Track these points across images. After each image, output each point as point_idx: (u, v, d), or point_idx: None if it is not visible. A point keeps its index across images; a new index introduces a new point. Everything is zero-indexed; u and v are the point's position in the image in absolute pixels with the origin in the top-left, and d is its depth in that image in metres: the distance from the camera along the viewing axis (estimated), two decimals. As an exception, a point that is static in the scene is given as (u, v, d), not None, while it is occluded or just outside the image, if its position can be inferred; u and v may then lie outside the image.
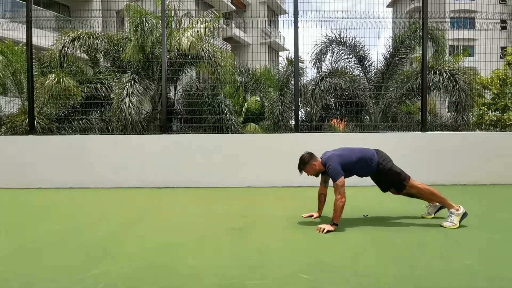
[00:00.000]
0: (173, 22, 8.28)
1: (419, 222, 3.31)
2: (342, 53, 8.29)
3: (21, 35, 6.10)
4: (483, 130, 9.21)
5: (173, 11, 8.21)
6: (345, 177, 3.13)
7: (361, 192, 4.99)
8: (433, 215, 3.44)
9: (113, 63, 7.78)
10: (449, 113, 8.04)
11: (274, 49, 19.71)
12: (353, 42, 8.07)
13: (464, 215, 3.08)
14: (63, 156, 5.55)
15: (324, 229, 2.91)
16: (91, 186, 5.50)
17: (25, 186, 5.50)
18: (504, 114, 9.58)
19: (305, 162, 3.20)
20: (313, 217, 3.43)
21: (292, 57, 6.13)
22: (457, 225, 3.04)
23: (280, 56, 17.92)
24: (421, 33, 6.41)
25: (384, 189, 3.36)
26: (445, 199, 3.17)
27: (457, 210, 3.07)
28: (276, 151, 5.55)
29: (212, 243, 2.71)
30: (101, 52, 7.75)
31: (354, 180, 5.47)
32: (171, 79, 7.74)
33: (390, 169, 3.21)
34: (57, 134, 6.29)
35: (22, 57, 7.31)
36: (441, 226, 3.05)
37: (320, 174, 3.34)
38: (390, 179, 3.24)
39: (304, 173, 3.24)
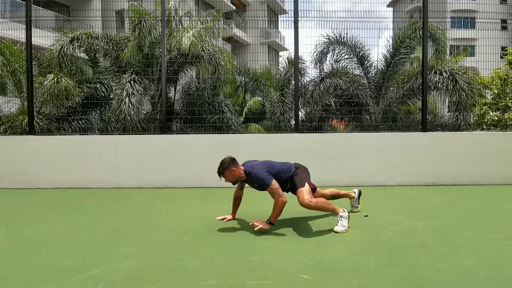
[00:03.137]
0: (173, 22, 8.28)
1: (419, 222, 3.30)
2: (342, 53, 8.28)
3: (20, 35, 6.09)
4: (484, 130, 9.20)
5: (173, 11, 8.21)
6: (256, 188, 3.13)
7: (362, 192, 4.99)
8: (359, 207, 3.74)
9: (112, 63, 7.78)
10: (449, 113, 8.03)
11: (274, 49, 19.73)
12: (353, 42, 8.06)
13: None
14: (63, 156, 5.55)
15: (258, 225, 2.86)
16: (91, 186, 5.50)
17: (25, 186, 5.49)
18: (505, 114, 9.57)
19: (225, 167, 3.01)
20: (225, 220, 3.35)
21: (293, 57, 6.12)
22: (347, 228, 3.00)
23: (280, 56, 17.91)
24: (421, 33, 6.40)
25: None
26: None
27: (344, 212, 3.08)
28: (276, 151, 5.55)
29: (212, 243, 2.71)
30: (100, 52, 7.75)
31: (354, 180, 5.49)
32: (171, 79, 7.74)
33: (299, 178, 3.13)
34: (56, 134, 6.28)
35: (21, 56, 7.31)
36: (335, 232, 2.95)
37: (238, 182, 3.25)
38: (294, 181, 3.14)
39: (223, 178, 3.08)
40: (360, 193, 3.79)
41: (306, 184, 3.05)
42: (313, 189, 3.14)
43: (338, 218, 3.05)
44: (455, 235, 2.87)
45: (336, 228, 2.98)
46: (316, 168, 5.50)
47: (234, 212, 3.42)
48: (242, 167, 3.11)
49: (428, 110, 6.46)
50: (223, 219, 3.37)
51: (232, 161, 3.07)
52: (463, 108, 7.23)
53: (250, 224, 2.94)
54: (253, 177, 2.98)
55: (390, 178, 5.50)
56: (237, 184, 3.29)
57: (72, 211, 3.94)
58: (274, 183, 2.92)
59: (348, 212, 3.11)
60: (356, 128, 7.83)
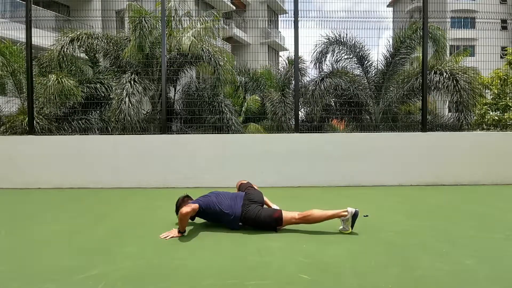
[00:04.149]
0: (173, 22, 8.28)
1: (419, 222, 3.30)
2: (342, 53, 8.29)
3: (20, 35, 6.09)
4: (484, 130, 9.21)
5: (173, 11, 8.21)
6: (207, 220, 3.16)
7: (362, 192, 5.00)
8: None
9: (112, 63, 7.78)
10: (449, 113, 8.03)
11: (274, 49, 19.72)
12: (353, 42, 8.07)
13: (355, 216, 2.88)
14: (63, 156, 5.55)
15: (167, 235, 2.85)
16: (91, 186, 5.50)
17: (25, 186, 5.49)
18: (505, 114, 9.59)
19: (178, 205, 3.18)
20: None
21: (293, 57, 6.12)
22: (350, 230, 2.91)
23: (280, 56, 17.91)
24: (421, 33, 6.41)
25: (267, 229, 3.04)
26: (332, 214, 2.93)
27: (345, 216, 2.89)
28: (276, 151, 5.55)
29: (212, 243, 2.71)
30: (100, 52, 7.75)
31: (354, 180, 5.49)
32: (171, 79, 7.74)
33: (254, 219, 2.97)
34: (56, 134, 6.29)
35: (21, 57, 7.32)
36: (339, 230, 2.95)
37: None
38: (261, 226, 3.00)
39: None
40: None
41: (279, 218, 2.95)
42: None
43: (341, 221, 2.95)
44: (455, 235, 2.87)
45: (340, 228, 2.96)
46: (316, 168, 5.54)
47: None
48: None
49: (428, 110, 6.46)
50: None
51: (185, 198, 3.22)
52: (464, 108, 7.23)
53: (160, 237, 2.85)
54: (209, 214, 3.07)
55: (390, 178, 5.50)
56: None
57: (72, 211, 3.94)
58: (191, 205, 2.89)
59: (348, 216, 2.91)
60: (356, 128, 7.83)
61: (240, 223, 3.06)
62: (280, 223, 2.97)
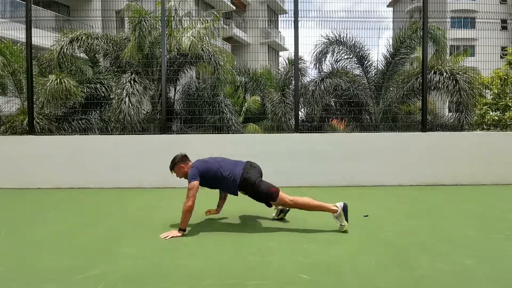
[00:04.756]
0: (173, 22, 8.28)
1: (419, 222, 3.30)
2: (342, 53, 8.28)
3: (20, 35, 6.09)
4: (484, 130, 9.21)
5: (173, 11, 8.21)
6: (206, 186, 3.07)
7: (362, 192, 4.99)
8: (277, 217, 3.37)
9: (112, 63, 7.78)
10: (449, 113, 8.03)
11: (274, 49, 19.72)
12: (353, 42, 8.06)
13: (345, 209, 2.92)
14: (63, 156, 5.55)
15: (168, 235, 2.83)
16: (91, 186, 5.50)
17: (25, 186, 5.49)
18: (505, 114, 9.59)
19: (174, 163, 3.16)
20: (209, 213, 3.39)
21: (293, 57, 6.13)
22: (346, 224, 2.92)
23: (281, 56, 17.91)
24: (421, 33, 6.40)
25: (259, 200, 3.09)
26: (322, 205, 2.95)
27: (335, 212, 2.91)
28: (276, 151, 5.55)
29: (212, 243, 2.71)
30: (100, 52, 7.75)
31: (354, 180, 5.49)
32: (171, 79, 7.74)
33: (253, 184, 2.98)
34: (56, 134, 6.29)
35: (21, 57, 7.32)
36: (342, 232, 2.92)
37: None
38: (257, 194, 3.02)
39: (174, 174, 3.17)
40: (286, 212, 3.39)
41: (275, 194, 2.98)
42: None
43: (335, 220, 2.97)
44: (455, 235, 2.87)
45: (339, 227, 2.96)
46: (316, 168, 5.54)
47: (219, 206, 3.44)
48: (191, 163, 3.14)
49: (428, 110, 6.46)
50: (208, 212, 3.39)
51: (182, 158, 3.18)
52: (464, 108, 7.23)
53: (160, 237, 2.84)
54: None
55: (390, 178, 5.50)
56: None
57: (72, 211, 3.94)
58: (192, 184, 2.88)
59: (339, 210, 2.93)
60: (356, 128, 7.83)
61: (239, 190, 3.05)
62: (275, 199, 2.98)
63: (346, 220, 2.94)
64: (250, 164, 3.16)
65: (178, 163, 3.13)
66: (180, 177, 3.19)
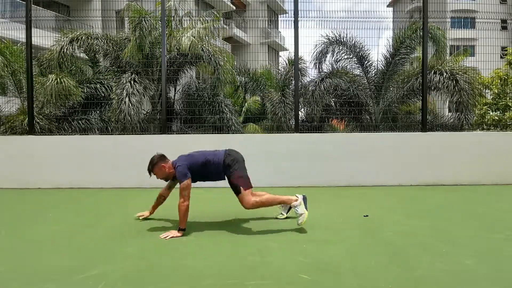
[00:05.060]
0: (173, 22, 8.28)
1: (419, 222, 3.30)
2: (342, 53, 8.28)
3: (20, 35, 6.09)
4: (484, 130, 9.21)
5: (173, 11, 8.21)
6: (194, 181, 3.06)
7: (362, 192, 5.00)
8: (285, 215, 3.43)
9: (112, 63, 7.78)
10: (449, 113, 8.03)
11: (274, 49, 19.72)
12: (353, 42, 8.06)
13: (304, 200, 3.10)
14: (63, 156, 5.55)
15: (167, 235, 2.83)
16: (91, 186, 5.50)
17: (25, 186, 5.49)
18: (505, 114, 9.59)
19: (154, 163, 3.03)
20: (142, 217, 3.41)
21: (293, 57, 6.13)
22: (306, 212, 2.99)
23: (280, 56, 17.91)
24: (421, 33, 6.40)
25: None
26: (282, 199, 3.12)
27: (296, 200, 3.06)
28: (276, 151, 5.55)
29: (212, 243, 2.71)
30: (100, 52, 7.75)
31: (354, 180, 5.49)
32: (171, 79, 7.74)
33: (233, 172, 3.02)
34: (56, 134, 6.29)
35: (21, 57, 7.31)
36: (298, 224, 2.98)
37: (168, 181, 3.24)
38: (233, 182, 3.04)
39: (154, 176, 3.09)
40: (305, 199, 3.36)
41: (244, 189, 2.99)
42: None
43: (294, 209, 3.03)
44: (455, 235, 2.87)
45: (299, 222, 2.97)
46: (316, 168, 5.54)
47: (153, 208, 3.45)
48: (171, 162, 3.11)
49: (428, 110, 6.46)
50: (141, 216, 3.41)
51: (161, 157, 3.09)
52: (464, 108, 7.23)
53: (161, 237, 2.85)
54: (175, 171, 2.98)
55: (390, 178, 5.50)
56: (167, 183, 3.29)
57: (72, 211, 3.94)
58: (185, 183, 2.88)
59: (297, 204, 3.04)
60: (356, 128, 7.83)
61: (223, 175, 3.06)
62: (238, 192, 3.00)
63: (306, 208, 3.06)
64: (231, 150, 3.21)
65: (158, 163, 3.03)
66: (161, 178, 3.11)
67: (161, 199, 3.39)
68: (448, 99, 7.65)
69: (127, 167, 5.54)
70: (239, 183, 3.00)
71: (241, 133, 7.45)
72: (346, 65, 8.32)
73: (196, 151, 3.21)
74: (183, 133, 6.81)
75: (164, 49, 5.84)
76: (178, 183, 3.05)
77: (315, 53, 8.25)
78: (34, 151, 5.57)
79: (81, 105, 7.01)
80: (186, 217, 2.92)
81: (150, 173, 3.08)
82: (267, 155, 5.54)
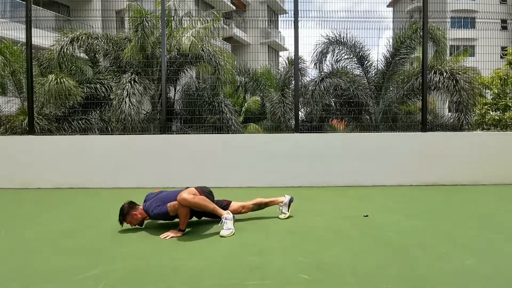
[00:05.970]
0: (173, 22, 8.28)
1: (419, 222, 3.30)
2: (342, 53, 8.28)
3: (20, 35, 6.09)
4: (484, 130, 9.21)
5: (173, 11, 8.21)
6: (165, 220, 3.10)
7: (362, 192, 5.00)
8: (287, 215, 3.48)
9: (112, 63, 7.78)
10: (449, 113, 8.03)
11: (274, 49, 19.71)
12: (353, 42, 8.06)
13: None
14: (63, 156, 5.55)
15: (167, 235, 2.85)
16: (90, 186, 5.50)
17: (25, 186, 5.49)
18: (505, 114, 9.59)
19: (124, 214, 2.99)
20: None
21: (293, 57, 6.13)
22: (233, 230, 2.91)
23: (280, 56, 17.90)
24: (421, 33, 6.41)
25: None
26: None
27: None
28: (276, 151, 5.55)
29: (212, 243, 2.71)
30: (100, 52, 7.75)
31: (354, 180, 5.48)
32: (171, 79, 7.74)
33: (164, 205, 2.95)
34: (56, 134, 6.29)
35: (21, 57, 7.31)
36: (221, 236, 2.83)
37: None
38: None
39: (126, 224, 3.05)
40: (291, 200, 3.50)
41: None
42: (225, 205, 3.26)
43: (223, 220, 2.92)
44: (455, 235, 2.87)
45: (222, 233, 2.86)
46: (316, 168, 5.54)
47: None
48: (141, 207, 3.07)
49: (428, 110, 6.46)
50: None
51: (130, 205, 3.05)
52: (464, 108, 7.23)
53: (161, 237, 2.85)
54: (154, 217, 3.00)
55: (390, 178, 5.50)
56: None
57: (72, 211, 3.94)
58: (169, 205, 2.86)
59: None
60: (356, 128, 7.83)
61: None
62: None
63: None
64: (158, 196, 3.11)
65: (129, 212, 3.01)
66: (135, 225, 3.09)
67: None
68: (448, 99, 7.65)
69: (127, 167, 5.54)
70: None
71: (241, 133, 7.45)
72: (346, 65, 8.32)
73: (157, 194, 3.17)
74: (183, 133, 6.81)
75: (164, 49, 5.84)
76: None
77: (315, 53, 8.25)
78: (34, 151, 5.57)
79: (81, 105, 7.01)
80: (187, 218, 2.92)
81: (121, 224, 3.03)
82: (267, 155, 5.54)
